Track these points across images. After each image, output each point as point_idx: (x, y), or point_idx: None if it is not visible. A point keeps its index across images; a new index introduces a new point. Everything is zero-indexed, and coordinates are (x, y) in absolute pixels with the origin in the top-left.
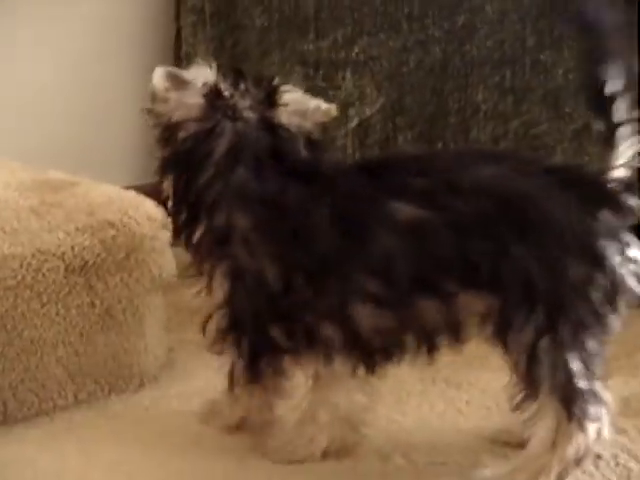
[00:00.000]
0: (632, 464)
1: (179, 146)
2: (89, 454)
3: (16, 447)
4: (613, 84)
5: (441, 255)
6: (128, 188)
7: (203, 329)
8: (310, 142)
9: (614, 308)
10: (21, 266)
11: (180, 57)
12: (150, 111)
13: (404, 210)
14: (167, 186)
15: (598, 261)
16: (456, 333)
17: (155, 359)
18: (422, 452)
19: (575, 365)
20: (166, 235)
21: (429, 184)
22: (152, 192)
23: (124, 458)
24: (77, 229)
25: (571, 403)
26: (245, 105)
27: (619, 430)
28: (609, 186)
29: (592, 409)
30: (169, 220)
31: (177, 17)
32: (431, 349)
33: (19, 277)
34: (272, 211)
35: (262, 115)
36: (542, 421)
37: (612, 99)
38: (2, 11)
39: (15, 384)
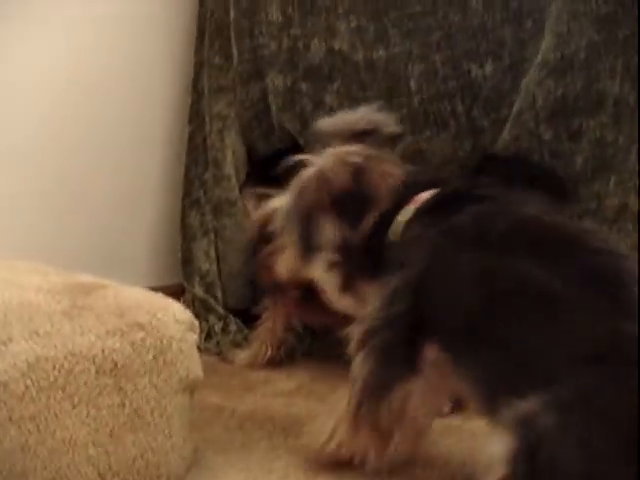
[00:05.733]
0: None
1: None
2: None
3: None
4: None
5: None
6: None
7: None
8: None
9: None
10: (54, 368)
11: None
12: None
13: None
14: None
15: None
16: None
17: (182, 458)
18: None
19: None
20: (193, 337)
21: None
22: (174, 293)
23: None
24: (107, 332)
25: None
26: None
27: None
28: None
29: None
30: (196, 323)
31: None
32: None
33: (52, 379)
34: None
35: None
36: None
37: None
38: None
39: None
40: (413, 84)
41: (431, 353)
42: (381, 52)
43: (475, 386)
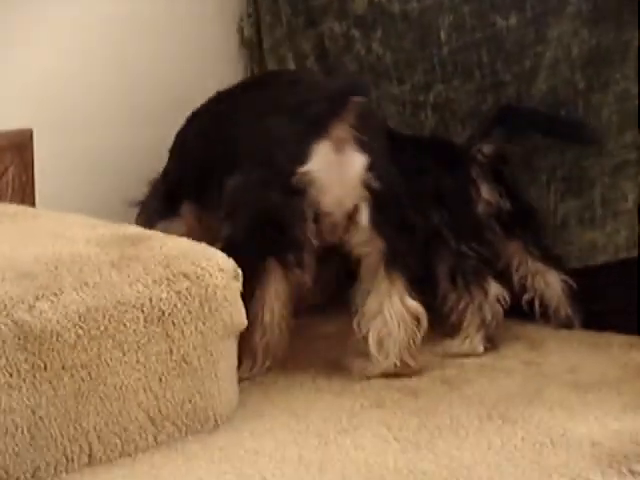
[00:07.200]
0: None
1: None
2: None
3: None
4: None
5: None
6: None
7: None
8: None
9: None
10: (104, 317)
11: None
12: None
13: None
14: None
15: None
16: None
17: (228, 401)
18: None
19: None
20: (236, 285)
21: None
22: None
23: None
24: (154, 281)
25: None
26: None
27: None
28: None
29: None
30: (239, 271)
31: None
32: None
33: (102, 328)
34: None
35: None
36: None
37: None
38: None
39: (100, 428)
40: (443, 34)
41: (186, 206)
42: (415, 4)
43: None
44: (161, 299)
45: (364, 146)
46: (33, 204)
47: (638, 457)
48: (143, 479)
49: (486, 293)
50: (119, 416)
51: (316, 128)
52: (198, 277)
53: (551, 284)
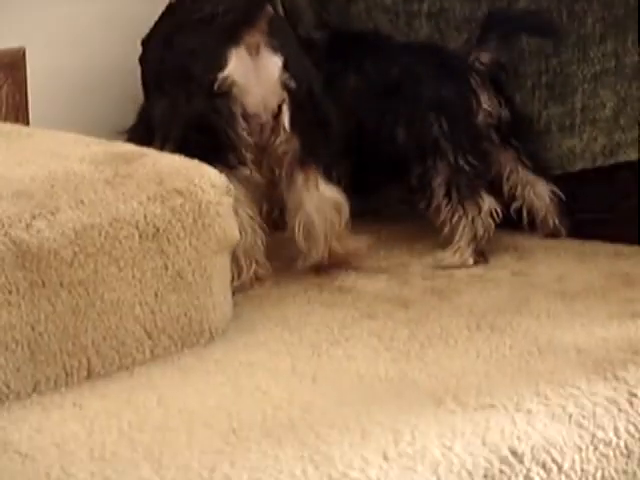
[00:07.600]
0: None
1: None
2: (167, 405)
3: (100, 401)
4: None
5: None
6: None
7: None
8: None
9: None
10: (100, 235)
11: None
12: None
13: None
14: None
15: None
16: None
17: (222, 315)
18: (471, 395)
19: None
20: (229, 200)
21: None
22: None
23: (199, 407)
24: (148, 198)
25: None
26: None
27: None
28: None
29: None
30: (231, 186)
31: None
32: None
33: (98, 245)
34: None
35: None
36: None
37: None
38: None
39: (98, 342)
40: None
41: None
42: None
43: None
44: (155, 215)
45: (277, 49)
46: (27, 123)
47: (623, 363)
48: (141, 391)
49: (480, 208)
50: (116, 331)
51: (229, 36)
52: (191, 193)
53: (540, 194)
